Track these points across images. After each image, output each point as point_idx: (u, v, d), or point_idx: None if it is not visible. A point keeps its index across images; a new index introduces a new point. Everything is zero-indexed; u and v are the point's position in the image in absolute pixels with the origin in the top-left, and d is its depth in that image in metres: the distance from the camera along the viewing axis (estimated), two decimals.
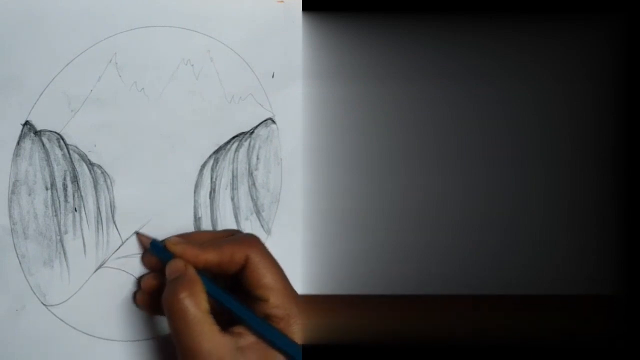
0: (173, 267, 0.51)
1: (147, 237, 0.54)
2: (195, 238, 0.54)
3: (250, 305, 0.52)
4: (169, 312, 0.49)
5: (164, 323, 0.55)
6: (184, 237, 0.54)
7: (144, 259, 0.54)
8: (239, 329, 0.51)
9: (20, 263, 0.49)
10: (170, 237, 0.53)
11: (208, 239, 0.54)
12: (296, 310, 0.53)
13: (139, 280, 0.54)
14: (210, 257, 0.52)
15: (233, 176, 0.60)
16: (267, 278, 0.52)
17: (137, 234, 0.54)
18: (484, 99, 0.59)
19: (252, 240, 0.54)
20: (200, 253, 0.52)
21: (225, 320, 0.51)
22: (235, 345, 0.50)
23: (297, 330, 0.52)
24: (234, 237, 0.55)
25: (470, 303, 0.59)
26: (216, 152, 0.58)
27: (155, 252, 0.53)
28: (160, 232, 0.55)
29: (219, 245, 0.53)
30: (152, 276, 0.54)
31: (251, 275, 0.52)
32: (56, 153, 0.50)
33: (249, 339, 0.50)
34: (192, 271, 0.51)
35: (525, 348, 0.59)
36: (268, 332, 0.51)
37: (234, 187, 0.60)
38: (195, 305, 0.49)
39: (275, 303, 0.52)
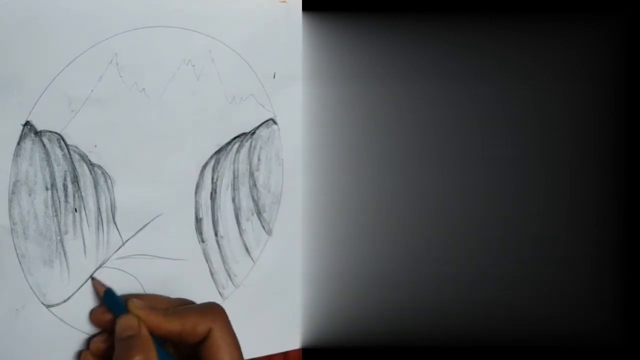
0: (126, 324, 0.49)
1: (102, 285, 0.52)
2: (156, 303, 0.52)
3: None
4: None
5: None
6: (145, 300, 0.52)
7: (94, 312, 0.52)
8: None
9: (20, 263, 0.49)
10: (132, 299, 0.51)
11: (168, 305, 0.53)
12: None
13: (89, 341, 0.52)
14: (173, 326, 0.50)
15: (234, 177, 0.60)
16: (224, 355, 0.51)
17: (93, 279, 0.52)
18: (484, 99, 0.59)
19: (216, 313, 0.52)
20: (163, 322, 0.50)
21: None
22: None
23: None
24: (198, 306, 0.53)
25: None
26: (217, 152, 0.58)
27: (108, 301, 0.51)
28: (161, 232, 0.55)
29: (182, 314, 0.51)
30: (101, 339, 0.52)
31: (209, 350, 0.51)
32: (56, 153, 0.50)
33: None
34: (145, 331, 0.49)
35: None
36: None
37: (235, 187, 0.60)
38: None
39: None
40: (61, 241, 0.50)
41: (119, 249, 0.54)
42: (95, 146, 0.52)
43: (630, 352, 0.55)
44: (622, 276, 0.56)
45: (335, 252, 0.64)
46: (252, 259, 0.61)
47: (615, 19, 0.55)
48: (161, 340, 0.51)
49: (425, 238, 0.61)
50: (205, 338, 0.51)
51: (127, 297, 0.51)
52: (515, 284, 0.59)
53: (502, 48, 0.58)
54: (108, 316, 0.51)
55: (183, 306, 0.53)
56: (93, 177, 0.52)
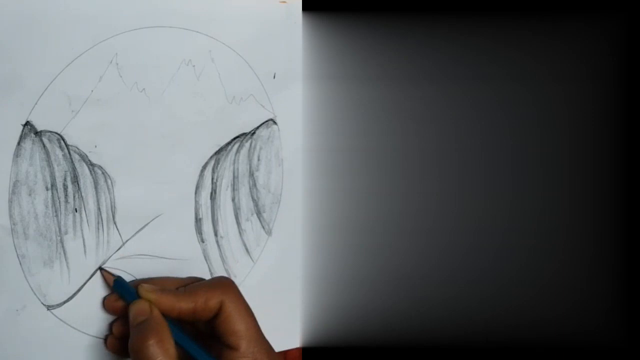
0: (138, 310, 0.50)
1: (111, 274, 0.52)
2: (165, 284, 0.53)
3: (220, 352, 0.51)
4: (137, 359, 0.48)
5: None
6: (155, 283, 0.52)
7: (107, 300, 0.52)
8: None
9: (20, 263, 0.49)
10: (142, 284, 0.51)
11: (178, 285, 0.53)
12: None
13: (111, 326, 0.53)
14: (184, 305, 0.50)
15: (234, 177, 0.60)
16: (240, 325, 0.51)
17: (102, 269, 0.52)
18: (484, 99, 0.59)
19: (227, 285, 0.53)
20: (175, 301, 0.50)
21: None
22: None
23: None
24: (207, 282, 0.54)
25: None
26: (217, 152, 0.58)
27: (119, 290, 0.52)
28: (160, 232, 0.55)
29: (193, 291, 0.51)
30: (122, 322, 0.52)
31: (224, 322, 0.51)
32: (57, 153, 0.50)
33: None
34: (158, 314, 0.49)
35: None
36: None
37: (235, 188, 0.60)
38: (163, 353, 0.48)
39: (246, 352, 0.51)
40: (61, 241, 0.50)
41: (119, 249, 0.53)
42: (95, 146, 0.51)
43: (630, 352, 0.55)
44: (623, 276, 0.56)
45: (335, 252, 0.64)
46: (252, 259, 0.61)
47: (615, 19, 0.55)
48: (176, 321, 0.51)
49: (425, 238, 0.61)
50: (218, 312, 0.51)
51: (137, 283, 0.52)
52: (516, 285, 0.59)
53: (502, 48, 0.58)
54: (120, 303, 0.52)
55: (192, 284, 0.53)
56: (93, 177, 0.52)
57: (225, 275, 0.59)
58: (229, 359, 0.51)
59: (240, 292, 0.53)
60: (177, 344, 0.49)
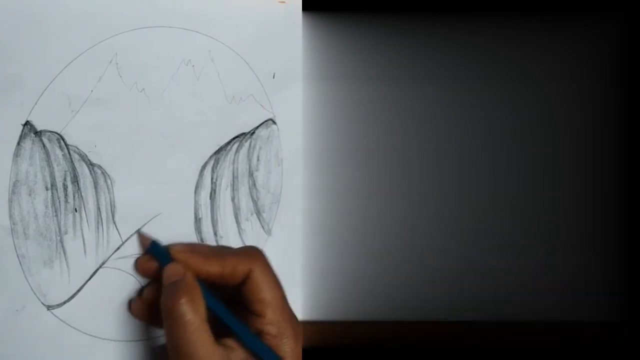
0: (172, 271, 0.51)
1: (147, 238, 0.54)
2: (198, 249, 0.54)
3: (245, 318, 0.52)
4: (168, 317, 0.49)
5: None
6: (188, 246, 0.53)
7: (140, 261, 0.54)
8: (230, 342, 0.50)
9: (20, 263, 0.49)
10: (174, 244, 0.53)
11: (210, 250, 0.54)
12: (290, 331, 0.52)
13: (140, 291, 0.54)
14: (213, 268, 0.51)
15: (233, 177, 0.60)
16: (266, 294, 0.52)
17: (139, 233, 0.54)
18: (484, 99, 0.59)
19: (256, 254, 0.54)
20: (204, 263, 0.51)
21: (217, 331, 0.50)
22: (227, 358, 0.49)
23: (289, 350, 0.52)
24: (237, 249, 0.55)
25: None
26: (217, 152, 0.58)
27: (154, 253, 0.53)
28: (160, 232, 0.55)
29: (222, 256, 0.52)
30: (154, 287, 0.53)
31: (251, 290, 0.52)
32: (56, 153, 0.50)
33: (239, 354, 0.50)
34: (190, 276, 0.51)
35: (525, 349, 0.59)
36: (259, 348, 0.51)
37: (234, 187, 0.60)
38: (194, 312, 0.49)
39: (271, 320, 0.52)
40: (61, 241, 0.50)
41: (118, 248, 0.53)
42: (95, 146, 0.51)
43: (630, 351, 0.55)
44: (623, 276, 0.56)
45: (335, 252, 0.64)
46: None
47: (615, 19, 0.55)
48: (207, 284, 0.52)
49: (426, 238, 0.61)
50: (245, 279, 0.52)
51: (170, 246, 0.53)
52: (516, 285, 0.59)
53: (502, 48, 0.58)
54: (153, 264, 0.53)
55: (223, 249, 0.54)
56: (93, 177, 0.52)
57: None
58: (254, 325, 0.52)
59: (269, 262, 0.54)
60: (208, 307, 0.50)
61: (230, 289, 0.53)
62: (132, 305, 0.54)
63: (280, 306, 0.52)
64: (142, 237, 0.54)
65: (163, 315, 0.49)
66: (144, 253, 0.54)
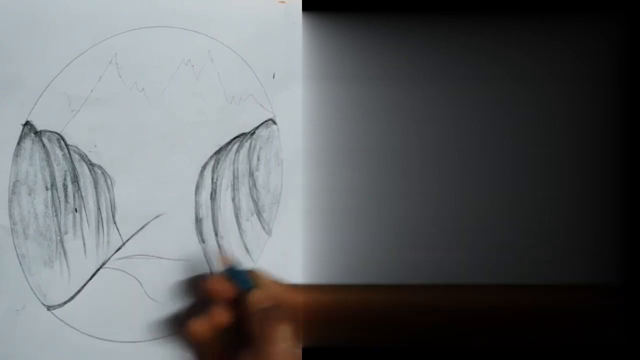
0: (264, 296, 0.52)
1: (228, 259, 0.55)
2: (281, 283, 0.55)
3: None
4: (261, 341, 0.49)
5: (164, 324, 0.55)
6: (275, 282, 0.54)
7: (213, 280, 0.54)
8: None
9: (20, 263, 0.49)
10: (262, 275, 0.54)
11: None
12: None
13: (192, 312, 0.53)
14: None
15: (234, 177, 0.60)
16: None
17: (222, 255, 0.55)
18: (484, 99, 0.59)
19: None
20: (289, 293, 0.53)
21: None
22: None
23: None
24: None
25: (470, 291, 0.59)
26: (217, 152, 0.58)
27: (235, 278, 0.53)
28: (160, 232, 0.55)
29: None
30: (224, 311, 0.53)
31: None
32: (56, 153, 0.50)
33: None
34: (284, 305, 0.51)
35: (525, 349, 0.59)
36: None
37: (234, 188, 0.60)
38: (290, 339, 0.49)
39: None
40: (61, 241, 0.50)
41: (119, 249, 0.53)
42: (95, 146, 0.51)
43: (630, 351, 0.55)
44: (623, 276, 0.56)
45: (335, 252, 0.64)
46: (252, 259, 0.61)
47: (615, 19, 0.55)
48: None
49: (426, 238, 0.61)
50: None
51: (265, 280, 0.53)
52: (516, 284, 0.59)
53: (502, 48, 0.58)
54: (228, 286, 0.53)
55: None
56: (93, 177, 0.52)
57: None
58: None
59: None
60: None
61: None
62: (192, 327, 0.52)
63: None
64: (223, 257, 0.55)
65: (257, 341, 0.49)
66: (219, 273, 0.54)
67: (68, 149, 0.50)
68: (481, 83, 0.59)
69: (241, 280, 0.53)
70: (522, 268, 0.59)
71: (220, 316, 0.52)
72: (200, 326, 0.52)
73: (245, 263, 0.61)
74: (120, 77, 0.52)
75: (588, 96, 0.56)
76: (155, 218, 0.55)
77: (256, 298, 0.51)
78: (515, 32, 0.57)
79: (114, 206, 0.53)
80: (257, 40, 0.59)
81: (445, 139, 0.60)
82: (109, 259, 0.53)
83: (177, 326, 0.54)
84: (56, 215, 0.50)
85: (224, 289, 0.53)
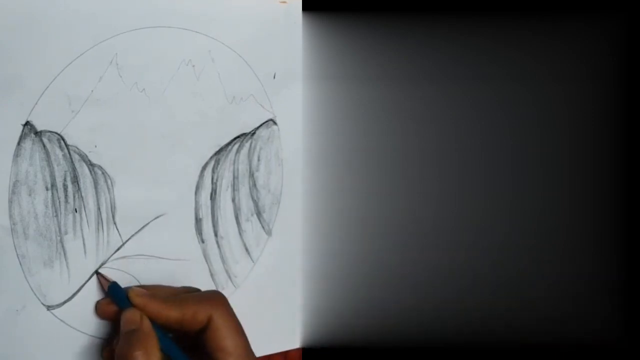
0: (129, 318, 0.50)
1: (107, 280, 0.52)
2: (158, 292, 0.53)
3: None
4: None
5: None
6: (147, 290, 0.52)
7: (100, 304, 0.52)
8: None
9: (20, 263, 0.49)
10: (133, 288, 0.52)
11: (170, 294, 0.53)
12: None
13: (110, 340, 0.52)
14: (172, 314, 0.50)
15: (234, 177, 0.60)
16: (228, 341, 0.51)
17: (98, 274, 0.53)
18: (484, 99, 0.59)
19: (217, 300, 0.53)
20: (163, 309, 0.50)
21: None
22: None
23: None
24: (198, 294, 0.54)
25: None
26: (217, 153, 0.58)
27: (114, 295, 0.52)
28: (160, 233, 0.55)
29: (182, 302, 0.51)
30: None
31: (212, 337, 0.51)
32: (57, 153, 0.50)
33: None
34: (147, 325, 0.49)
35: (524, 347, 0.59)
36: None
37: (235, 188, 0.60)
38: None
39: None
40: (61, 241, 0.50)
41: (119, 249, 0.53)
42: (95, 146, 0.51)
43: (630, 352, 0.55)
44: (623, 276, 0.56)
45: (335, 252, 0.64)
46: (252, 259, 0.61)
47: (615, 19, 0.55)
48: (165, 330, 0.51)
49: (426, 238, 0.61)
50: (206, 326, 0.51)
51: (129, 289, 0.52)
52: (516, 284, 0.59)
53: (502, 48, 0.58)
54: (113, 308, 0.52)
55: (183, 294, 0.53)
56: (93, 177, 0.52)
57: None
58: None
59: (231, 308, 0.53)
60: (165, 353, 0.49)
61: (192, 336, 0.52)
62: (103, 354, 0.52)
63: (242, 355, 0.51)
64: (101, 278, 0.53)
65: None
66: (104, 296, 0.53)
67: (68, 149, 0.50)
68: (481, 83, 0.59)
69: (120, 299, 0.51)
70: (522, 268, 0.59)
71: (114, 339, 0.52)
72: (106, 354, 0.52)
73: (245, 263, 0.61)
74: (121, 77, 0.52)
75: (588, 96, 0.56)
76: (155, 218, 0.55)
77: (122, 320, 0.50)
78: (515, 32, 0.57)
79: (114, 206, 0.53)
80: (258, 40, 0.59)
81: (445, 139, 0.60)
82: (108, 259, 0.53)
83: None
84: (56, 216, 0.50)
85: (109, 310, 0.52)
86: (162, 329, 0.50)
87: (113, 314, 0.52)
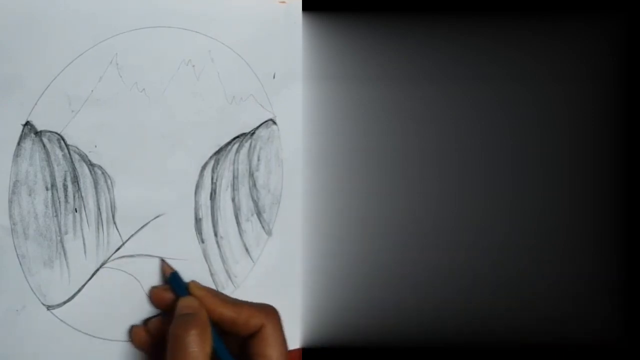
0: (188, 304, 0.52)
1: (169, 267, 0.55)
2: (218, 292, 0.56)
3: None
4: (174, 346, 0.49)
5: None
6: (207, 287, 0.55)
7: (155, 290, 0.55)
8: None
9: (20, 263, 0.49)
10: (194, 281, 0.54)
11: (228, 297, 0.55)
12: None
13: (146, 321, 0.54)
14: (228, 312, 0.53)
15: (234, 177, 0.60)
16: (273, 350, 0.53)
17: (162, 261, 0.55)
18: (484, 99, 0.59)
19: (272, 312, 0.55)
20: (219, 305, 0.53)
21: None
22: None
23: None
24: (255, 303, 0.55)
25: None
26: (217, 153, 0.58)
27: (173, 283, 0.54)
28: (160, 232, 0.55)
29: (239, 304, 0.54)
30: (162, 319, 0.54)
31: (259, 344, 0.53)
32: (57, 153, 0.50)
33: None
34: (204, 314, 0.51)
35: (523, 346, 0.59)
36: None
37: (234, 188, 0.60)
38: (200, 346, 0.49)
39: None
40: (61, 241, 0.50)
41: (119, 249, 0.53)
42: (95, 146, 0.51)
43: (630, 352, 0.55)
44: (623, 276, 0.56)
45: (335, 252, 0.64)
46: (252, 259, 0.61)
47: (615, 19, 0.55)
48: (217, 328, 0.52)
49: (426, 238, 0.61)
50: (256, 332, 0.53)
51: (190, 282, 0.54)
52: (516, 284, 0.59)
53: (502, 48, 0.58)
54: (169, 295, 0.54)
55: (240, 300, 0.55)
56: (93, 177, 0.52)
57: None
58: None
59: (282, 323, 0.55)
60: (213, 349, 0.51)
61: (238, 341, 0.54)
62: (134, 332, 0.54)
63: None
64: (164, 266, 0.55)
65: (169, 344, 0.49)
66: (163, 283, 0.55)
67: (68, 149, 0.50)
68: (481, 83, 0.59)
69: (179, 288, 0.54)
70: (522, 268, 0.59)
71: (155, 323, 0.54)
72: (138, 331, 0.54)
73: (245, 263, 0.61)
74: (121, 77, 0.52)
75: (588, 96, 0.56)
76: (155, 218, 0.55)
77: (180, 304, 0.52)
78: (515, 32, 0.57)
79: (114, 206, 0.53)
80: (258, 40, 0.59)
81: (445, 139, 0.60)
82: (108, 258, 0.53)
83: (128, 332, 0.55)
84: (56, 216, 0.50)
85: (164, 297, 0.54)
86: (216, 328, 0.52)
87: (168, 301, 0.54)
